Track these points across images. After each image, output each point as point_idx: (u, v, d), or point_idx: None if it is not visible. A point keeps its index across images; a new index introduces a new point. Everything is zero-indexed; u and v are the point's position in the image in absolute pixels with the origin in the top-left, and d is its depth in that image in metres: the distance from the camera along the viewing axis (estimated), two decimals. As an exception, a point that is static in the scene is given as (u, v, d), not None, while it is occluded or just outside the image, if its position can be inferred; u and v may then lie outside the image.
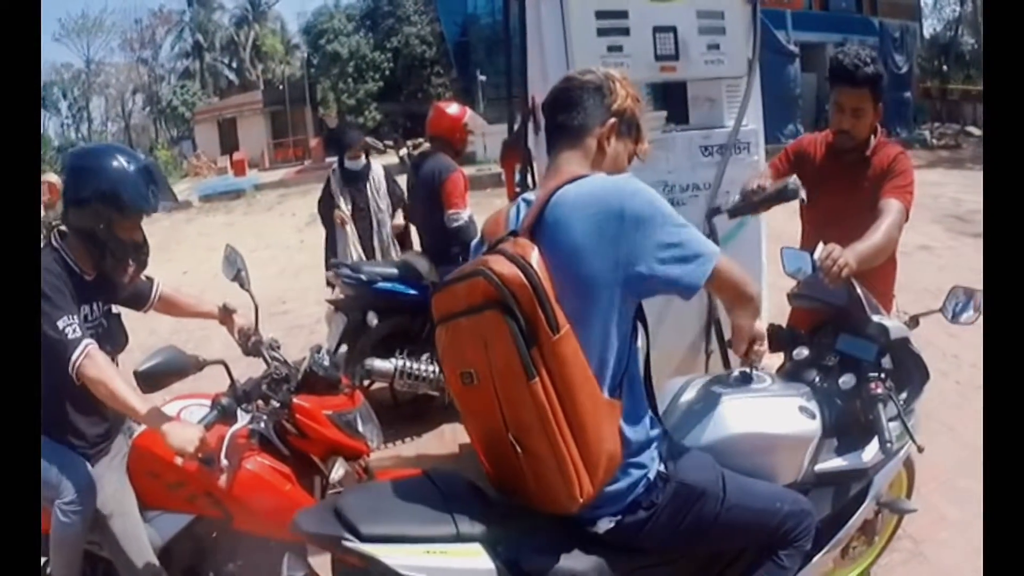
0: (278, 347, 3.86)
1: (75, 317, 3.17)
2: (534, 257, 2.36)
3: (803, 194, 3.58)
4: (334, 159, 7.95)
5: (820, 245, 3.34)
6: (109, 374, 3.12)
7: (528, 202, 2.61)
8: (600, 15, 4.42)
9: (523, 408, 2.38)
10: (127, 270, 3.50)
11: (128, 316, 3.79)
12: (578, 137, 2.65)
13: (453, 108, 6.97)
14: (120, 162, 3.31)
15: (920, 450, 3.28)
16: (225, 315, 3.93)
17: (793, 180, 3.58)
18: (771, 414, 3.08)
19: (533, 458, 2.45)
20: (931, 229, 12.82)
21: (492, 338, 2.35)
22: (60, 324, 3.09)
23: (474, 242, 2.86)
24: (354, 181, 8.07)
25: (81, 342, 3.11)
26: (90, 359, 3.08)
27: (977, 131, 28.76)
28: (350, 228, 8.02)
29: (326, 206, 8.26)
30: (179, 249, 17.69)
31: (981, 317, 2.44)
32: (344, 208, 8.04)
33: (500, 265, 2.33)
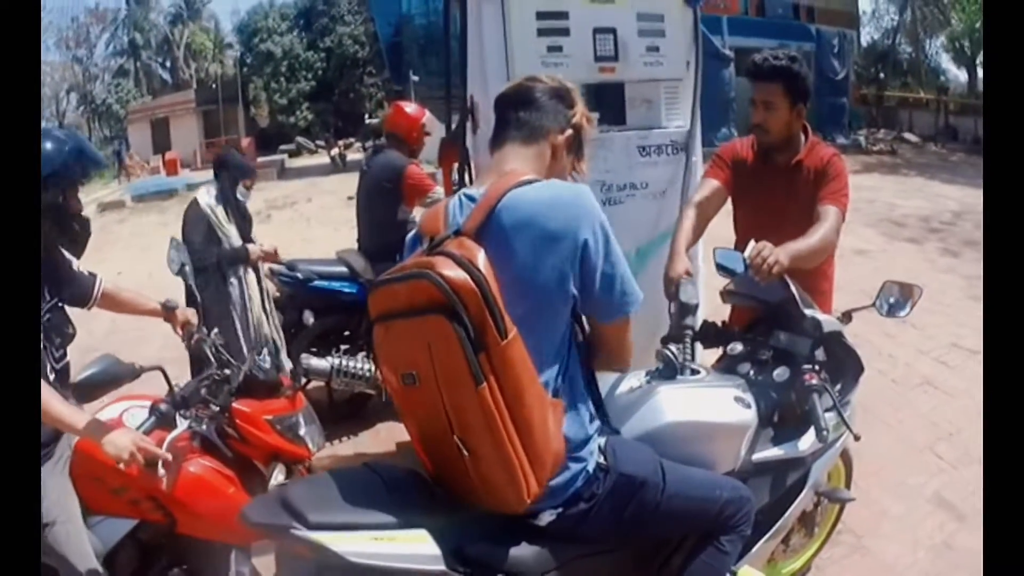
0: (222, 344, 3.83)
1: None
2: (481, 260, 2.32)
3: (696, 301, 3.59)
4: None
5: (752, 243, 3.39)
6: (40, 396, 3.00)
7: (470, 198, 2.55)
8: (540, 15, 4.47)
9: (469, 412, 2.36)
10: (79, 242, 3.44)
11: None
12: (532, 137, 2.64)
13: (412, 108, 6.97)
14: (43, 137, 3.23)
15: (857, 438, 3.34)
16: (168, 312, 3.87)
17: (685, 293, 3.55)
18: (707, 403, 3.13)
19: (479, 460, 2.45)
20: (866, 233, 13.03)
21: (437, 342, 2.32)
22: None
23: (409, 236, 2.78)
24: (241, 218, 6.23)
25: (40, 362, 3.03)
26: None
27: (913, 137, 29.24)
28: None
29: (205, 240, 5.84)
30: (113, 249, 17.41)
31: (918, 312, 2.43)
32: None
33: (447, 268, 2.28)
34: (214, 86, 51.13)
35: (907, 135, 29.91)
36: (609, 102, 4.78)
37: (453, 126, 5.47)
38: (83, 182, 3.33)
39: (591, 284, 2.44)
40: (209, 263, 5.69)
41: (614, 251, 2.47)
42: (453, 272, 2.28)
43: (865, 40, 42.74)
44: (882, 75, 40.70)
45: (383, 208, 6.46)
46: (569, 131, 2.68)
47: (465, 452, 2.44)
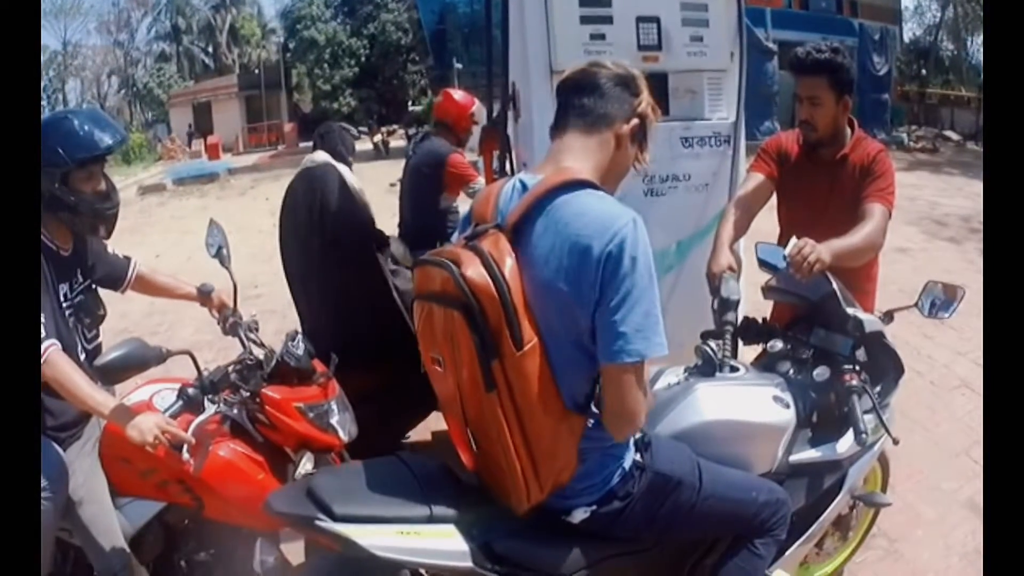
0: (256, 329, 3.81)
1: (43, 314, 3.05)
2: (508, 265, 2.28)
3: (737, 296, 3.53)
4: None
5: (793, 239, 3.33)
6: (67, 376, 2.99)
7: (524, 185, 2.49)
8: (584, 2, 4.43)
9: (480, 413, 2.37)
10: (100, 225, 3.38)
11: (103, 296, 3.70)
12: (595, 125, 2.51)
13: (462, 96, 6.79)
14: (58, 117, 3.24)
15: (895, 442, 3.28)
16: (204, 296, 3.86)
17: (727, 288, 3.50)
18: (745, 402, 3.09)
19: (486, 456, 2.47)
20: (907, 231, 12.86)
21: (457, 338, 2.31)
22: None
23: (463, 215, 2.75)
24: None
25: (41, 345, 2.98)
26: (47, 366, 2.95)
27: (954, 135, 28.95)
28: None
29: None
30: (152, 232, 17.57)
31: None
32: None
33: (471, 267, 2.25)
34: (257, 71, 51.53)
35: (948, 133, 29.60)
36: (652, 92, 4.73)
37: (495, 114, 5.43)
38: (92, 163, 3.26)
39: (599, 312, 2.28)
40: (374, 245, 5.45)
41: (636, 290, 2.25)
42: (475, 273, 2.24)
43: (907, 36, 42.60)
44: (924, 72, 40.32)
45: (424, 194, 6.35)
46: (635, 120, 2.55)
47: (474, 446, 2.48)
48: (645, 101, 2.58)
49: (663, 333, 2.29)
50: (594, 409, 2.46)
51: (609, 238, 2.22)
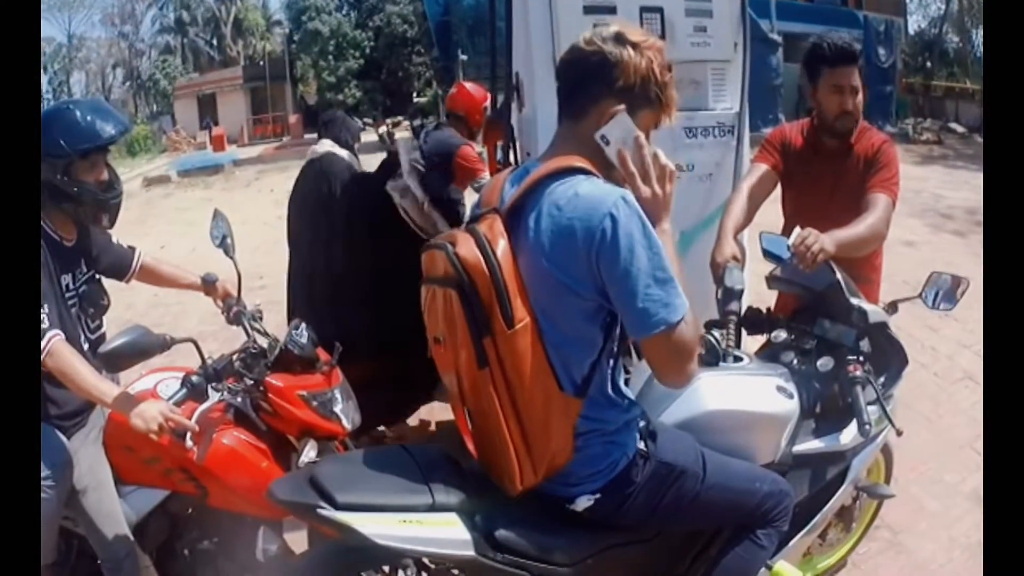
0: (260, 318, 3.81)
1: (46, 304, 3.07)
2: (500, 246, 2.32)
3: (741, 286, 3.50)
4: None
5: (797, 229, 3.33)
6: (71, 365, 3.00)
7: (528, 172, 2.46)
8: (587, -8, 4.38)
9: (475, 391, 2.41)
10: (103, 215, 3.37)
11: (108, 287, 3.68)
12: (580, 115, 2.47)
13: (477, 90, 6.74)
14: (60, 108, 3.25)
15: (899, 434, 3.27)
16: (208, 286, 3.86)
17: (731, 278, 3.47)
18: (748, 392, 3.09)
19: (482, 437, 2.51)
20: (911, 223, 12.77)
21: (453, 317, 2.34)
22: None
23: (475, 201, 2.76)
24: None
25: (45, 335, 2.99)
26: (50, 356, 2.96)
27: (959, 128, 28.85)
28: None
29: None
30: (157, 223, 17.54)
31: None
32: None
33: (464, 247, 2.31)
34: (262, 63, 51.55)
35: (953, 125, 29.44)
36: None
37: (499, 104, 5.43)
38: (95, 153, 3.26)
39: (614, 295, 2.29)
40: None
41: (639, 261, 2.23)
42: (467, 251, 2.30)
43: (912, 28, 42.42)
44: (929, 64, 40.16)
45: (431, 182, 6.35)
46: (617, 106, 2.40)
47: (470, 424, 2.54)
48: (632, 68, 2.39)
49: (679, 290, 2.30)
50: (607, 394, 2.48)
51: (599, 219, 2.23)
